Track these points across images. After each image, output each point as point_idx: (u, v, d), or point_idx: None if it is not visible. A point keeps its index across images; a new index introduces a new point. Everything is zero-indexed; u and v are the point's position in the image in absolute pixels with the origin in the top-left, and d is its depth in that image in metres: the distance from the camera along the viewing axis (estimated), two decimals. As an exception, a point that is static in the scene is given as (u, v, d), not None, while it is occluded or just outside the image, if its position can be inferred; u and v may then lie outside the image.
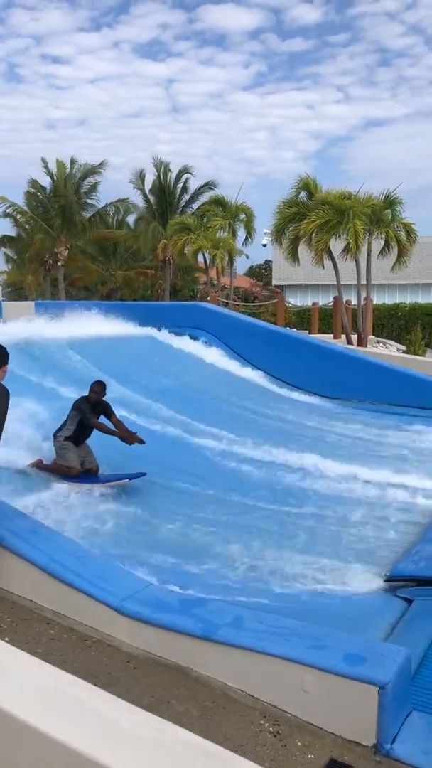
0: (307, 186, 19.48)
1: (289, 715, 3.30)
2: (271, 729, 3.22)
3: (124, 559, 5.16)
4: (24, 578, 4.29)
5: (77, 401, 7.69)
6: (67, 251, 30.61)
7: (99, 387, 7.73)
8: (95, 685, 3.31)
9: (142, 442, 7.61)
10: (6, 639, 3.72)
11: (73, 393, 9.83)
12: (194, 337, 15.72)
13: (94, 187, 31.11)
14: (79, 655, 3.71)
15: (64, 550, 4.34)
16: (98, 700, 2.57)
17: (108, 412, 7.75)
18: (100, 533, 6.04)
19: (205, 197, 31.14)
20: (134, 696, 3.32)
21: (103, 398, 7.74)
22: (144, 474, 7.51)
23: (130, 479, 7.46)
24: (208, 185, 31.89)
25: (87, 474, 7.49)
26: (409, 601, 4.82)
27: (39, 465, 7.61)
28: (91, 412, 7.54)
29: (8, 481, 7.03)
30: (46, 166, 30.53)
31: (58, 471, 7.43)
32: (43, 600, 4.18)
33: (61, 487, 7.13)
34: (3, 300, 22.18)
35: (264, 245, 35.97)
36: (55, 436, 7.61)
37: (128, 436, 7.56)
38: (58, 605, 4.11)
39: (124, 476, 7.47)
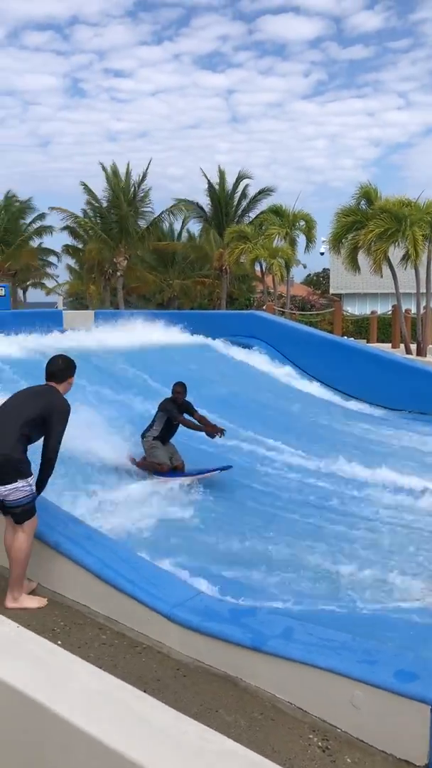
0: (368, 194, 19.33)
1: (338, 730, 3.25)
2: (320, 744, 3.18)
3: (189, 562, 5.32)
4: (78, 583, 4.37)
5: (163, 402, 8.27)
6: (126, 261, 31.11)
7: (181, 387, 8.32)
8: (144, 690, 3.35)
9: (223, 432, 8.25)
10: (59, 642, 3.80)
11: (128, 400, 10.04)
12: (249, 346, 15.74)
13: (146, 195, 31.47)
14: (129, 661, 3.75)
15: (117, 555, 4.40)
16: (146, 707, 2.59)
17: (191, 410, 8.34)
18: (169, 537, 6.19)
19: (263, 204, 31.23)
20: (183, 704, 3.33)
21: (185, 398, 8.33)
22: (230, 467, 8.12)
23: (221, 471, 7.99)
24: (265, 191, 32.01)
25: (175, 470, 8.05)
26: (466, 618, 4.69)
27: (133, 462, 8.19)
28: (177, 411, 8.12)
29: (105, 474, 7.82)
30: (106, 174, 31.10)
31: (150, 467, 8.03)
32: (96, 605, 4.25)
33: (147, 483, 7.75)
34: (64, 309, 22.70)
35: (322, 253, 35.75)
36: (143, 436, 8.19)
37: (212, 429, 8.20)
38: (111, 611, 4.17)
39: (212, 469, 8.01)
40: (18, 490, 4.22)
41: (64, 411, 4.45)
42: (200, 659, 3.75)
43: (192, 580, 4.69)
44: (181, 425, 8.20)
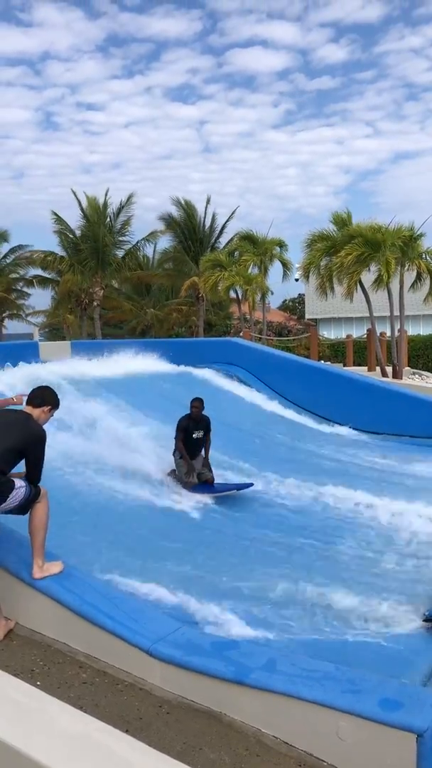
0: (342, 221, 19.58)
1: (325, 764, 3.20)
2: (306, 778, 3.12)
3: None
4: (57, 621, 4.28)
5: (179, 420, 8.62)
6: (102, 291, 31.05)
7: (198, 402, 8.63)
8: (127, 730, 3.29)
9: (201, 479, 8.62)
10: (38, 683, 3.71)
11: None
12: (227, 373, 15.75)
13: (126, 223, 31.42)
14: (111, 699, 3.67)
15: (96, 591, 4.32)
16: (126, 748, 2.54)
17: (208, 428, 8.75)
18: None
19: (234, 228, 31.62)
20: (166, 742, 3.26)
21: (203, 413, 8.71)
22: (252, 485, 8.50)
23: (239, 489, 8.36)
24: (233, 217, 32.56)
25: (204, 484, 8.42)
26: (449, 642, 4.67)
27: (173, 474, 8.72)
28: (194, 428, 8.55)
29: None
30: (80, 205, 31.08)
31: (181, 481, 8.53)
32: (75, 643, 4.16)
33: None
34: (40, 340, 22.59)
35: (296, 279, 36.11)
36: (173, 453, 8.70)
37: (191, 470, 8.52)
38: (91, 648, 4.08)
39: (233, 486, 8.43)
40: (13, 496, 4.23)
41: (40, 439, 4.36)
42: (183, 695, 3.68)
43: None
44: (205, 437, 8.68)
